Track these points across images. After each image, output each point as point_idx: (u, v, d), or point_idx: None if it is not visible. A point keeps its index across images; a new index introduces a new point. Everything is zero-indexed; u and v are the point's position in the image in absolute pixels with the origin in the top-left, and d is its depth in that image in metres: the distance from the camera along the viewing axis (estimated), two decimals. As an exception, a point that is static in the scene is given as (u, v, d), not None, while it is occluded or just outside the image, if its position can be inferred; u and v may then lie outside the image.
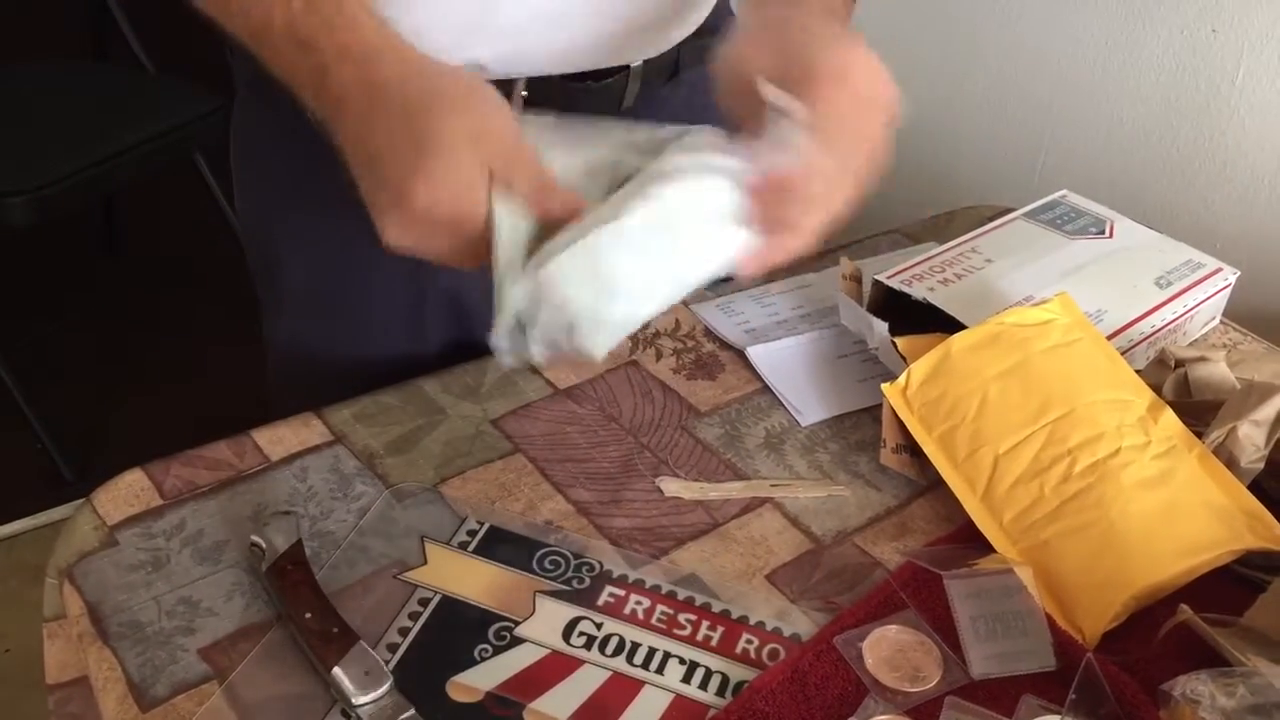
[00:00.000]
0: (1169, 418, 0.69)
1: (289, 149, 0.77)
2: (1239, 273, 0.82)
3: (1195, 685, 0.52)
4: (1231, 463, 0.67)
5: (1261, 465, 0.67)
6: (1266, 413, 0.67)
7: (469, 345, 0.81)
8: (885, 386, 0.72)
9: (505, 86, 0.70)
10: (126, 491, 0.68)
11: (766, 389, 0.80)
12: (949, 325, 0.76)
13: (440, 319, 0.84)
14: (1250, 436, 0.67)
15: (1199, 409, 0.71)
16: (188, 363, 2.12)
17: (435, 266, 0.84)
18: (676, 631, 0.61)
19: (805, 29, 0.59)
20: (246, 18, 0.58)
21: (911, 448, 0.71)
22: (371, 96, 0.55)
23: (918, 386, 0.71)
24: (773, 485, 0.71)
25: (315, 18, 0.56)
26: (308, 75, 0.57)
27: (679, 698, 0.58)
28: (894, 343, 0.75)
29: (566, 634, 0.61)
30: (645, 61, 0.76)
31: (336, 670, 0.56)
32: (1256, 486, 0.67)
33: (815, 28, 0.60)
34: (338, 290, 0.83)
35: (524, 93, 0.74)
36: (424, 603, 0.62)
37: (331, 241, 0.81)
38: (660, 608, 0.62)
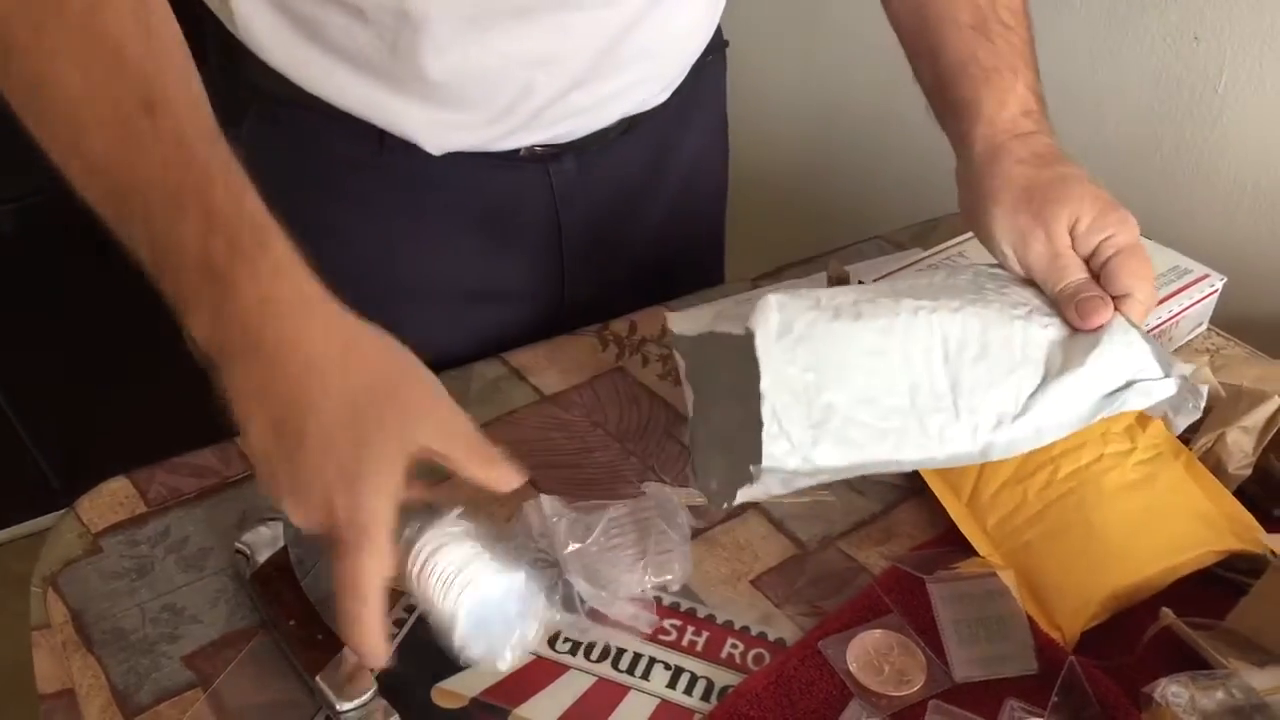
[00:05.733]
0: (1156, 425, 0.69)
1: (281, 175, 0.78)
2: (1225, 279, 0.83)
3: (1175, 688, 0.52)
4: (1219, 468, 0.68)
5: (1249, 471, 0.68)
6: (1255, 419, 0.68)
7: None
8: (870, 392, 0.72)
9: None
10: (111, 499, 0.68)
11: (752, 395, 0.80)
12: (933, 331, 0.76)
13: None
14: (1239, 442, 0.67)
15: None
16: (178, 369, 2.11)
17: (410, 291, 0.84)
18: (662, 637, 0.61)
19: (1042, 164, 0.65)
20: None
21: (896, 453, 0.72)
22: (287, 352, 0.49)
23: (902, 392, 0.71)
24: (758, 491, 0.71)
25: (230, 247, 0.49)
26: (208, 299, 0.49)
27: (664, 703, 0.58)
28: (879, 348, 0.75)
29: (552, 639, 0.61)
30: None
31: (320, 677, 0.56)
32: (1242, 493, 0.67)
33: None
34: None
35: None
36: (409, 609, 0.62)
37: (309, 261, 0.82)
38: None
